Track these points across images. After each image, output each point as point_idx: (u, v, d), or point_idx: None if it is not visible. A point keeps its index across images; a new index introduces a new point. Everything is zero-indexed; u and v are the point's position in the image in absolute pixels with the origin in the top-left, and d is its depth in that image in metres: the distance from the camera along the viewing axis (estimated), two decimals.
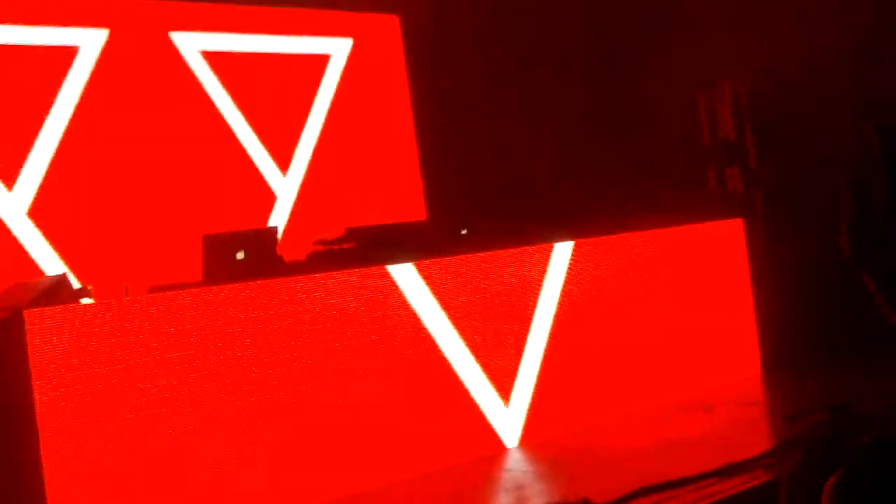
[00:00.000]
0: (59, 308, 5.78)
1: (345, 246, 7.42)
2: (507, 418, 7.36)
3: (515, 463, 6.97)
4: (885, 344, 9.11)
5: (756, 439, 6.77)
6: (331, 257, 7.30)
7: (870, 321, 9.41)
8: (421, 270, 7.14)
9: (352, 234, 7.52)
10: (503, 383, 7.37)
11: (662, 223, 8.66)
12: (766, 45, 10.10)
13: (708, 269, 8.81)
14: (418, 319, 7.06)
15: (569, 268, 7.91)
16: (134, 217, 8.44)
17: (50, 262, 8.09)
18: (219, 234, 7.46)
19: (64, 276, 6.62)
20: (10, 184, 8.10)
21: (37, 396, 5.50)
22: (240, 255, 7.32)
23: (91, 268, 7.99)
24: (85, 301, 6.32)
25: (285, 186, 9.65)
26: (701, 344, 8.59)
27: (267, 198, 9.45)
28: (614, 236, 8.30)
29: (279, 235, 7.71)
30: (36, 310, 5.66)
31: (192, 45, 9.30)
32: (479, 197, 9.88)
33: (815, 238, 9.70)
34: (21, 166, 8.18)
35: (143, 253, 8.23)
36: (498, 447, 7.26)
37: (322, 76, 10.15)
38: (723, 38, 10.05)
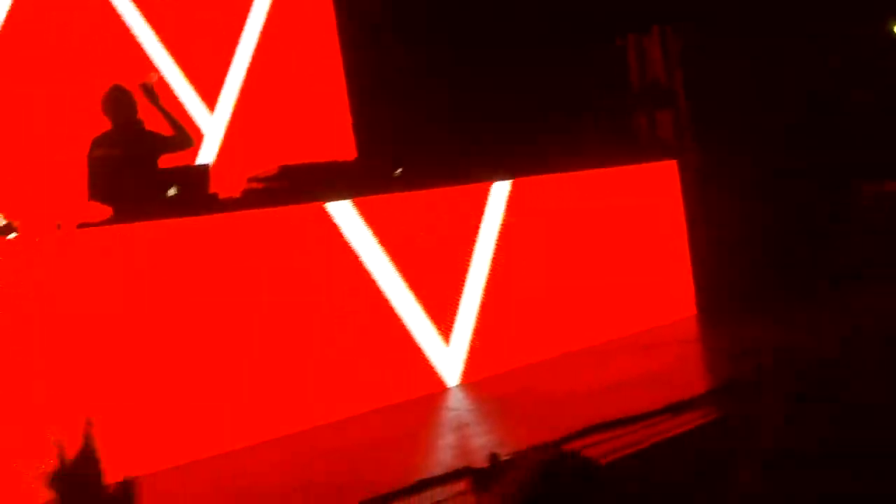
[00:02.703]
0: None
1: (280, 183, 7.23)
2: (448, 357, 7.25)
3: (457, 402, 6.87)
4: (816, 286, 9.19)
5: (698, 377, 6.75)
6: (266, 194, 7.10)
7: (800, 264, 9.45)
8: (359, 208, 6.99)
9: (286, 171, 7.32)
10: (443, 322, 7.26)
11: (597, 164, 8.59)
12: None
13: (644, 209, 8.76)
14: (356, 257, 6.92)
15: (507, 206, 7.80)
16: (60, 153, 8.13)
17: None
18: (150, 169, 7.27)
19: None
20: None
21: None
22: (171, 192, 7.11)
23: (16, 204, 7.67)
24: (12, 237, 6.08)
25: (213, 124, 9.39)
26: (638, 284, 8.55)
27: (194, 135, 9.16)
28: (552, 175, 8.20)
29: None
30: None
31: None
32: (410, 135, 9.69)
33: (748, 181, 9.73)
34: None
35: (69, 189, 7.93)
36: (438, 386, 7.17)
37: (248, 11, 9.87)
38: None
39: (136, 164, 7.29)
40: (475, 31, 10.28)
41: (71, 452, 2.06)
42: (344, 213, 6.91)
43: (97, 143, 7.42)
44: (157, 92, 7.51)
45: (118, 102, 7.43)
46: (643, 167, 8.97)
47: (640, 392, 6.31)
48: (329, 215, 6.85)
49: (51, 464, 2.05)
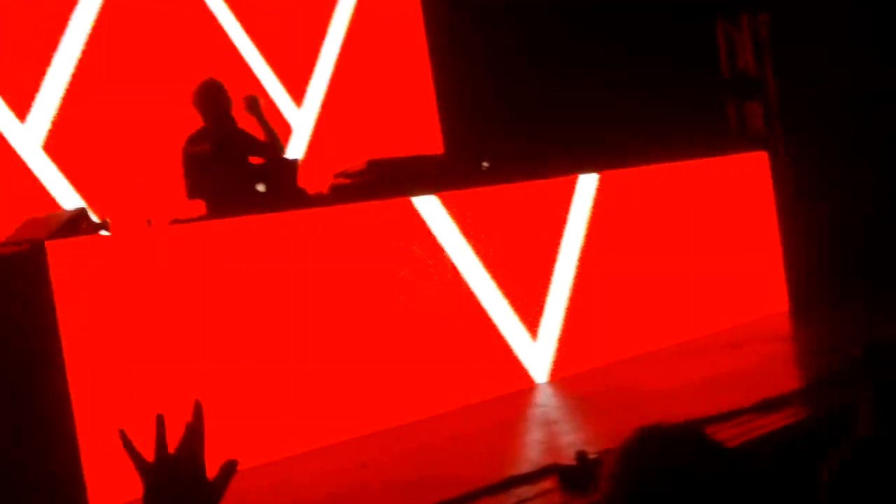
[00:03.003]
0: (82, 239, 5.65)
1: (367, 178, 7.26)
2: (536, 353, 7.23)
3: (545, 398, 6.86)
4: None
5: (789, 375, 6.66)
6: (353, 189, 7.14)
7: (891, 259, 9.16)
8: (445, 202, 6.99)
9: (373, 166, 7.35)
10: (530, 318, 7.24)
11: (685, 156, 8.51)
12: None
13: (734, 202, 8.66)
14: (443, 251, 6.92)
15: (594, 200, 7.75)
16: (150, 150, 8.22)
17: (66, 196, 7.91)
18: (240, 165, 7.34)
19: (83, 209, 6.46)
20: (22, 115, 7.87)
21: (61, 325, 5.36)
22: (260, 187, 7.17)
23: (108, 202, 7.78)
24: (103, 234, 6.17)
25: (301, 119, 9.45)
26: (728, 279, 8.45)
27: (282, 130, 9.22)
28: (639, 168, 8.14)
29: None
30: (58, 241, 5.53)
31: None
32: (497, 128, 9.65)
33: (842, 173, 9.55)
34: (33, 97, 7.96)
35: (160, 186, 8.04)
36: (527, 382, 7.15)
37: (336, 4, 9.90)
38: None
39: (229, 160, 7.36)
40: (562, 26, 10.20)
41: (172, 441, 2.04)
42: (431, 208, 6.91)
43: (192, 141, 7.49)
44: (262, 108, 7.58)
45: (210, 96, 7.49)
46: (733, 158, 8.88)
47: (730, 389, 6.23)
48: (416, 210, 6.86)
49: (151, 451, 2.03)
